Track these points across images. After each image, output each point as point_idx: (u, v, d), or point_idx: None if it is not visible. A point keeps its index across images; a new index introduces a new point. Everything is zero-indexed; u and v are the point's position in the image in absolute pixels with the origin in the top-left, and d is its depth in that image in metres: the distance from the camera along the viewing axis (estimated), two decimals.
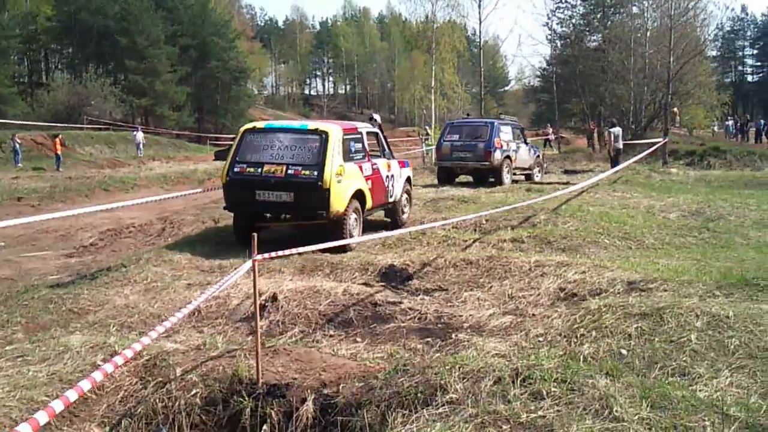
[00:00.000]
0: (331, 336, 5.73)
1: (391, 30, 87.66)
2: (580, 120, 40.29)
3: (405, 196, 11.44)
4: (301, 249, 5.83)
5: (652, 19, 29.32)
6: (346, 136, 9.65)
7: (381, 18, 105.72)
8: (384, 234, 8.92)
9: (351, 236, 9.08)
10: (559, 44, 41.68)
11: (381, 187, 10.47)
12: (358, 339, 5.66)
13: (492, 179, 16.71)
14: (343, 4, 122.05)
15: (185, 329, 6.10)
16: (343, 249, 8.49)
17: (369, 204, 9.99)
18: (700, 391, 4.11)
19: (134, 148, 34.24)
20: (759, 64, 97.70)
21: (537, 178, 18.91)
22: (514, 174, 17.83)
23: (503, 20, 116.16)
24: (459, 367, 4.17)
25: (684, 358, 4.61)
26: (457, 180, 17.49)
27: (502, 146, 16.86)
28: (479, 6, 27.96)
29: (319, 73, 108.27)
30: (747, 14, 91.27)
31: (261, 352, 4.72)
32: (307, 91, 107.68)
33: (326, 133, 9.22)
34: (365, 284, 6.98)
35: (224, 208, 9.93)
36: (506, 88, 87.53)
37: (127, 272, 8.04)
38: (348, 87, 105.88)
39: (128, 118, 49.47)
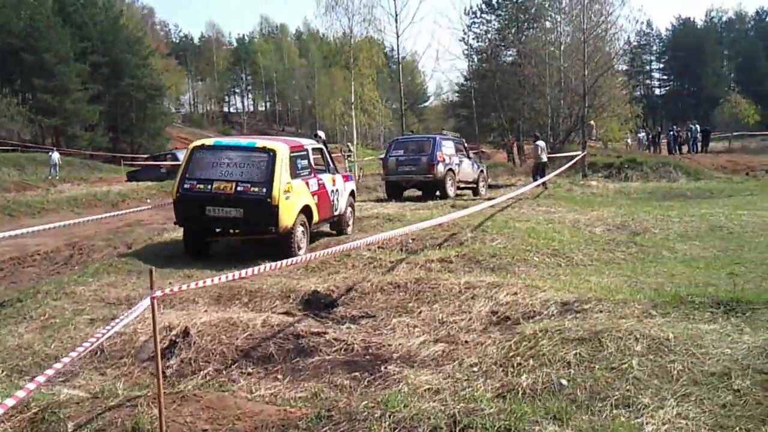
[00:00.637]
0: (249, 374, 5.23)
1: (309, 46, 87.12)
2: (499, 135, 40.77)
3: (349, 209, 11.88)
4: (209, 281, 5.32)
5: (566, 34, 29.91)
6: (292, 154, 9.99)
7: (299, 34, 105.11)
8: (305, 257, 8.47)
9: (299, 249, 9.56)
10: (475, 59, 42.21)
11: (327, 201, 10.80)
12: (279, 376, 5.18)
13: (438, 193, 16.98)
14: (260, 21, 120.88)
15: (85, 371, 5.50)
16: (287, 255, 8.42)
17: (316, 218, 10.33)
18: (647, 424, 3.84)
19: (47, 169, 32.64)
20: (665, 77, 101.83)
21: (483, 192, 19.07)
22: (459, 188, 18.02)
23: (421, 34, 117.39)
24: (390, 415, 3.74)
25: (627, 387, 4.34)
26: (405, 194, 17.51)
27: (444, 160, 17.18)
28: (396, 21, 27.80)
29: (237, 90, 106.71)
30: (652, 29, 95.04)
31: (167, 400, 4.21)
32: (226, 109, 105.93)
33: (274, 151, 9.54)
34: (287, 313, 6.50)
35: (175, 223, 10.22)
36: (426, 104, 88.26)
37: (23, 307, 7.32)
38: (268, 104, 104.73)
39: (37, 138, 47.28)
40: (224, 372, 5.25)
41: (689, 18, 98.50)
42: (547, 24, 35.15)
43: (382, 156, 20.62)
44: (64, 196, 22.72)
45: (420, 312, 6.38)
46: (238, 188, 9.29)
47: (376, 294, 6.88)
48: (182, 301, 6.99)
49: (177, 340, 5.68)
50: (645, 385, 4.37)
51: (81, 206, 20.95)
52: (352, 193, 12.15)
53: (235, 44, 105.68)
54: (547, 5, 33.62)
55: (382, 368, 5.20)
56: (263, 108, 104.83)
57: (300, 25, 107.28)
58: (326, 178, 11.00)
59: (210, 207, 9.37)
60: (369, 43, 37.13)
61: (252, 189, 9.28)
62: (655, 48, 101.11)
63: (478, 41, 42.89)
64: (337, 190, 11.25)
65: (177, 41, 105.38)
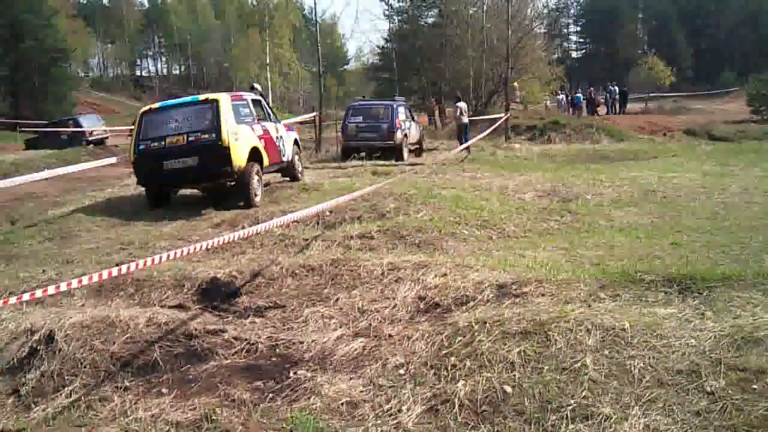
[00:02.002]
0: (125, 389, 4.26)
1: (225, 8, 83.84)
2: (420, 97, 39.98)
3: (296, 157, 12.80)
4: (84, 280, 4.29)
5: None
6: (234, 102, 10.78)
7: None
8: (207, 243, 7.46)
9: (256, 195, 10.38)
10: (396, 20, 41.17)
11: (273, 146, 11.59)
12: (164, 390, 4.23)
13: (394, 157, 17.60)
14: None
15: None
16: (248, 203, 10.12)
17: (266, 161, 11.11)
18: None
19: None
20: (581, 40, 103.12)
21: (422, 153, 19.91)
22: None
23: None
24: None
25: (583, 393, 3.62)
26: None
27: (401, 126, 18.25)
28: None
29: (150, 53, 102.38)
30: None
31: None
32: (138, 72, 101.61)
33: (217, 101, 10.36)
34: (179, 306, 5.52)
35: (137, 183, 10.88)
36: (345, 67, 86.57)
37: None
38: (182, 67, 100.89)
39: None
40: (95, 388, 4.26)
41: None
42: None
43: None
44: None
45: (337, 300, 5.50)
46: (190, 138, 10.03)
47: (287, 279, 5.95)
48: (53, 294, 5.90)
49: (38, 348, 4.63)
50: (603, 389, 3.66)
51: None
52: (296, 143, 13.01)
53: (146, 5, 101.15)
54: None
55: (291, 374, 4.34)
56: (177, 71, 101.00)
57: None
58: (269, 125, 11.75)
59: (166, 161, 10.02)
60: (285, 2, 35.63)
61: (203, 136, 10.04)
62: (572, 12, 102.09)
63: (399, 1, 41.83)
64: (281, 137, 12.05)
65: (84, 2, 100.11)
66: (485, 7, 28.47)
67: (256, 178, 10.45)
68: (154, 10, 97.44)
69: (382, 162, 16.28)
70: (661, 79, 47.44)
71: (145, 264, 4.46)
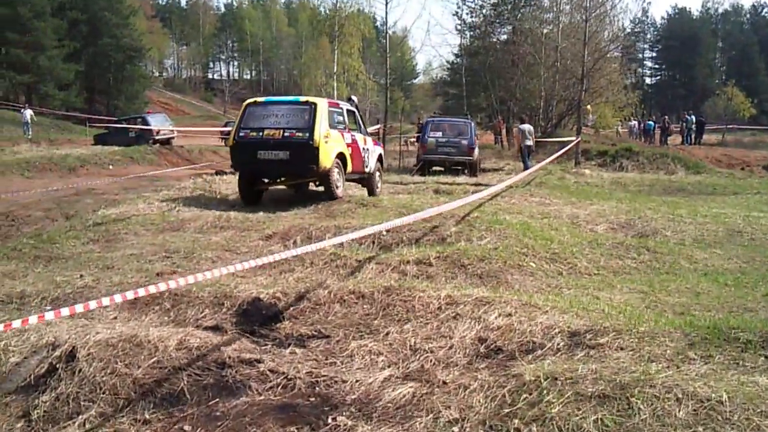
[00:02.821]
0: (145, 422, 3.80)
1: (298, 15, 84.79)
2: (487, 116, 39.25)
3: (378, 172, 13.51)
4: (116, 298, 3.86)
5: (565, 12, 28.34)
6: (330, 108, 11.74)
7: (288, 2, 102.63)
8: (259, 261, 7.01)
9: (338, 188, 11.40)
10: (468, 35, 40.58)
11: (359, 155, 12.40)
12: (186, 428, 3.75)
13: (466, 171, 19.00)
14: None
15: None
16: (331, 196, 11.16)
17: (349, 167, 11.93)
18: None
19: (21, 128, 31.11)
20: (657, 66, 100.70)
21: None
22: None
23: (411, 3, 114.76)
24: None
25: None
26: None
27: (476, 143, 19.82)
28: None
29: (223, 57, 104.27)
30: (647, 17, 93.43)
31: None
32: (210, 75, 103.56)
33: (315, 104, 11.32)
34: (215, 328, 5.06)
35: (231, 167, 12.41)
36: (414, 81, 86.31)
37: None
38: (253, 72, 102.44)
39: (9, 95, 45.21)
40: (112, 418, 3.81)
41: (685, 8, 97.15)
42: (545, 2, 33.51)
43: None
44: (19, 158, 21.03)
45: (387, 333, 4.95)
46: (285, 134, 11.00)
47: (334, 305, 5.44)
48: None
49: (58, 365, 4.22)
50: None
51: (33, 170, 19.29)
52: (380, 158, 13.78)
53: (222, 9, 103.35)
54: None
55: (330, 419, 3.80)
56: (248, 76, 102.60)
57: None
58: (358, 136, 12.61)
59: (261, 151, 11.01)
60: (357, 13, 35.48)
61: (297, 134, 10.97)
62: (649, 36, 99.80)
63: (472, 16, 41.19)
64: (367, 149, 12.89)
65: (163, 3, 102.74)
66: (561, 26, 27.63)
67: (337, 175, 11.45)
68: (229, 15, 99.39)
69: (444, 180, 15.76)
70: (741, 111, 45.65)
71: (177, 283, 3.97)
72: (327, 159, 11.02)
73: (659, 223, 9.66)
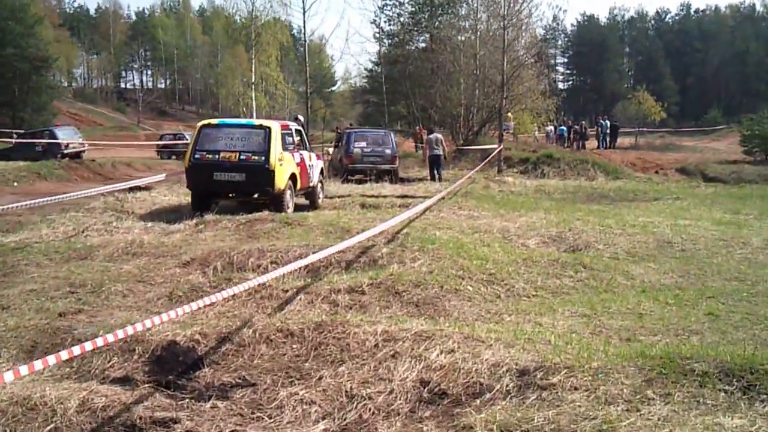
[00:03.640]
0: None
1: (213, 23, 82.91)
2: (407, 123, 39.17)
3: (320, 184, 14.29)
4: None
5: (483, 20, 28.43)
6: (283, 131, 12.28)
7: (202, 11, 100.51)
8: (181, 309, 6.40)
9: (288, 208, 11.83)
10: (387, 43, 40.46)
11: (306, 173, 13.03)
12: None
13: (388, 178, 19.50)
14: None
15: None
16: (280, 210, 11.29)
17: (299, 185, 12.59)
18: None
19: None
20: (568, 72, 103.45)
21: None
22: None
23: (330, 12, 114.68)
24: None
25: None
26: None
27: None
28: None
29: (135, 66, 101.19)
30: (558, 24, 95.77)
31: None
32: (123, 85, 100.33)
33: (269, 128, 11.90)
34: (125, 380, 4.48)
35: (186, 187, 12.28)
36: (333, 89, 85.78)
37: None
38: (168, 81, 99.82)
39: None
40: None
41: (593, 15, 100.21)
42: (461, 10, 33.62)
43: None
44: None
45: (320, 378, 4.48)
46: (241, 157, 11.46)
47: (260, 346, 4.92)
48: None
49: None
50: None
51: None
52: (321, 171, 14.62)
53: (134, 17, 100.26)
54: None
55: None
56: (162, 85, 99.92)
57: (204, 2, 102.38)
58: (305, 154, 13.29)
59: (217, 172, 11.43)
60: (274, 21, 34.78)
61: (253, 157, 11.46)
62: (560, 43, 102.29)
63: (390, 24, 41.13)
64: (312, 165, 13.61)
65: (71, 11, 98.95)
66: (479, 34, 27.73)
67: (289, 197, 12.02)
68: (140, 23, 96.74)
69: (370, 193, 15.40)
70: (652, 114, 47.14)
71: (70, 354, 3.39)
72: (281, 181, 11.63)
73: (590, 235, 9.53)
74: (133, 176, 26.57)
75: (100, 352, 4.80)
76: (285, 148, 12.05)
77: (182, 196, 14.52)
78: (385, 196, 14.99)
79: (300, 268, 7.56)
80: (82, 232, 9.67)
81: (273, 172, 11.39)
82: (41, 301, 6.08)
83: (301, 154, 12.90)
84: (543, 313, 5.95)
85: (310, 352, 4.86)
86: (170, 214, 11.64)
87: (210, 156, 11.55)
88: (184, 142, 36.05)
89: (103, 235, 9.58)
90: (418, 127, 34.93)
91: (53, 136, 28.36)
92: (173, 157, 34.79)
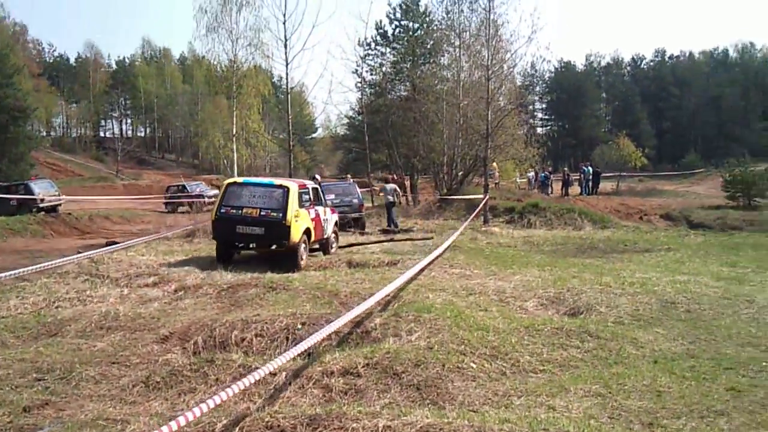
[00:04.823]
0: None
1: (194, 72, 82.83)
2: (390, 172, 38.92)
3: (333, 234, 15.34)
4: None
5: (465, 69, 28.39)
6: (300, 190, 13.50)
7: (183, 59, 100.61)
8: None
9: (302, 260, 13.02)
10: (368, 92, 40.40)
11: (320, 226, 14.26)
12: None
13: (353, 227, 20.70)
14: (141, 44, 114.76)
15: None
16: (296, 267, 12.41)
17: (312, 238, 13.71)
18: None
19: None
20: (546, 117, 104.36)
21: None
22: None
23: (312, 63, 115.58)
24: None
25: None
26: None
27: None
28: (285, 47, 25.32)
29: (115, 114, 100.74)
30: (536, 70, 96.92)
31: None
32: (102, 133, 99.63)
33: (288, 188, 13.11)
34: None
35: (212, 238, 13.79)
36: (313, 136, 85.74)
37: None
38: (147, 130, 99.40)
39: None
40: None
41: (570, 61, 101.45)
42: (443, 60, 33.65)
43: None
44: None
45: None
46: (262, 213, 12.72)
47: None
48: None
49: None
50: None
51: None
52: (336, 223, 15.74)
53: (114, 66, 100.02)
54: (445, 40, 31.98)
55: None
56: (142, 134, 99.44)
57: (185, 50, 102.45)
58: (320, 209, 14.48)
59: (240, 226, 12.71)
60: (255, 71, 34.63)
61: (271, 214, 12.69)
62: (538, 89, 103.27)
63: (372, 74, 41.16)
64: (327, 219, 14.79)
65: (51, 61, 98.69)
66: (462, 84, 27.67)
67: (303, 249, 13.07)
68: (121, 72, 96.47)
69: (356, 249, 14.98)
70: (633, 160, 47.35)
71: None
72: (297, 235, 12.75)
73: (590, 296, 9.11)
74: (110, 230, 26.00)
75: None
76: (301, 205, 13.26)
77: (161, 255, 13.99)
78: (372, 252, 14.56)
79: (286, 339, 7.10)
80: (53, 303, 9.07)
81: (289, 227, 12.54)
82: (4, 392, 5.50)
83: (316, 210, 14.12)
84: (554, 394, 5.48)
85: None
86: (147, 277, 11.06)
87: (234, 211, 12.79)
88: (196, 194, 35.56)
89: (76, 306, 8.98)
90: (394, 174, 34.67)
91: (29, 190, 27.74)
92: (179, 209, 34.26)
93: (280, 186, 13.25)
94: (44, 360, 6.36)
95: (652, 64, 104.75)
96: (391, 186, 22.73)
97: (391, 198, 22.13)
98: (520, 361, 6.34)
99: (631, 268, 12.20)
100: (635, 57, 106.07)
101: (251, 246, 13.24)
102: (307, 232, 13.28)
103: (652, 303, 8.85)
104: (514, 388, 5.66)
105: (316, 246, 14.45)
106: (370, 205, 28.54)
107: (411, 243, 16.09)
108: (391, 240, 16.98)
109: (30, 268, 10.25)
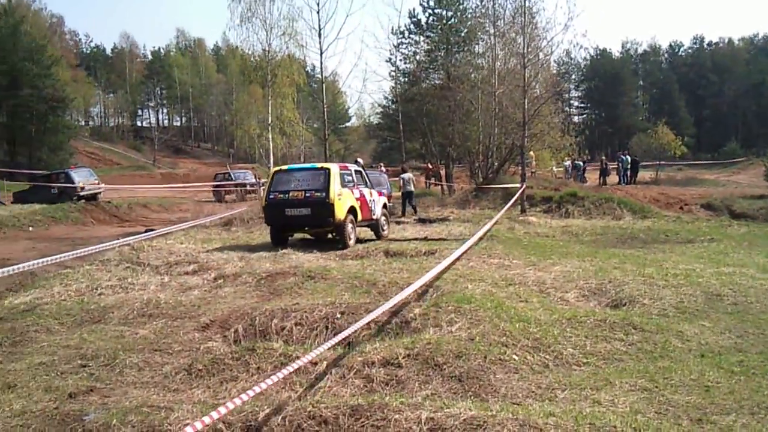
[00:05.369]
0: None
1: (228, 62, 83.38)
2: (422, 159, 38.78)
3: (383, 217, 15.90)
4: None
5: (500, 58, 28.06)
6: (341, 171, 14.31)
7: (217, 49, 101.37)
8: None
9: (350, 239, 13.80)
10: (402, 81, 40.25)
11: (366, 206, 14.91)
12: None
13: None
14: (176, 34, 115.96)
15: None
16: (344, 245, 13.44)
17: (359, 217, 14.41)
18: None
19: None
20: (582, 105, 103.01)
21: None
22: None
23: (346, 52, 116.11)
24: None
25: None
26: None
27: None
28: (320, 36, 25.38)
29: (151, 104, 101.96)
30: (572, 58, 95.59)
31: None
32: (138, 123, 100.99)
33: (329, 169, 13.86)
34: None
35: (265, 222, 14.80)
36: (347, 124, 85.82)
37: None
38: (183, 119, 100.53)
39: None
40: None
41: (606, 49, 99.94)
42: (477, 48, 33.37)
43: None
44: None
45: None
46: (306, 194, 13.53)
47: None
48: None
49: None
50: None
51: None
52: (385, 205, 16.32)
53: (149, 57, 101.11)
54: (479, 28, 31.68)
55: None
56: (178, 123, 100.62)
57: (219, 40, 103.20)
58: (365, 190, 15.17)
59: (288, 208, 13.60)
60: (289, 60, 34.66)
61: (316, 194, 13.46)
62: (573, 77, 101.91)
63: (405, 62, 41.00)
64: (374, 200, 15.44)
65: (87, 52, 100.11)
66: (497, 72, 27.37)
67: (350, 227, 13.86)
68: (156, 62, 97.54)
69: (392, 236, 14.97)
70: (672, 149, 46.49)
71: None
72: (341, 212, 13.43)
73: (632, 287, 8.94)
74: (149, 218, 26.34)
75: None
76: (344, 185, 13.95)
77: (199, 243, 14.12)
78: (408, 240, 14.54)
79: (326, 328, 7.09)
80: (96, 290, 9.20)
81: (332, 205, 13.24)
82: (50, 378, 5.59)
83: (360, 191, 14.78)
84: (599, 387, 5.38)
85: None
86: (187, 266, 11.16)
87: (281, 195, 13.66)
88: (242, 181, 35.97)
89: (118, 293, 9.12)
90: (429, 163, 34.58)
91: (69, 178, 28.20)
92: (225, 196, 34.75)
93: (322, 168, 13.98)
94: (88, 347, 6.45)
95: (690, 51, 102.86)
96: (408, 175, 23.23)
97: (409, 187, 22.65)
98: (563, 354, 6.24)
99: (673, 259, 11.95)
100: (673, 44, 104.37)
101: (303, 228, 14.13)
102: (353, 211, 13.93)
103: (697, 295, 8.66)
104: (557, 381, 5.58)
105: (366, 226, 15.16)
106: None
107: (447, 232, 15.99)
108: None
109: (71, 253, 10.41)
